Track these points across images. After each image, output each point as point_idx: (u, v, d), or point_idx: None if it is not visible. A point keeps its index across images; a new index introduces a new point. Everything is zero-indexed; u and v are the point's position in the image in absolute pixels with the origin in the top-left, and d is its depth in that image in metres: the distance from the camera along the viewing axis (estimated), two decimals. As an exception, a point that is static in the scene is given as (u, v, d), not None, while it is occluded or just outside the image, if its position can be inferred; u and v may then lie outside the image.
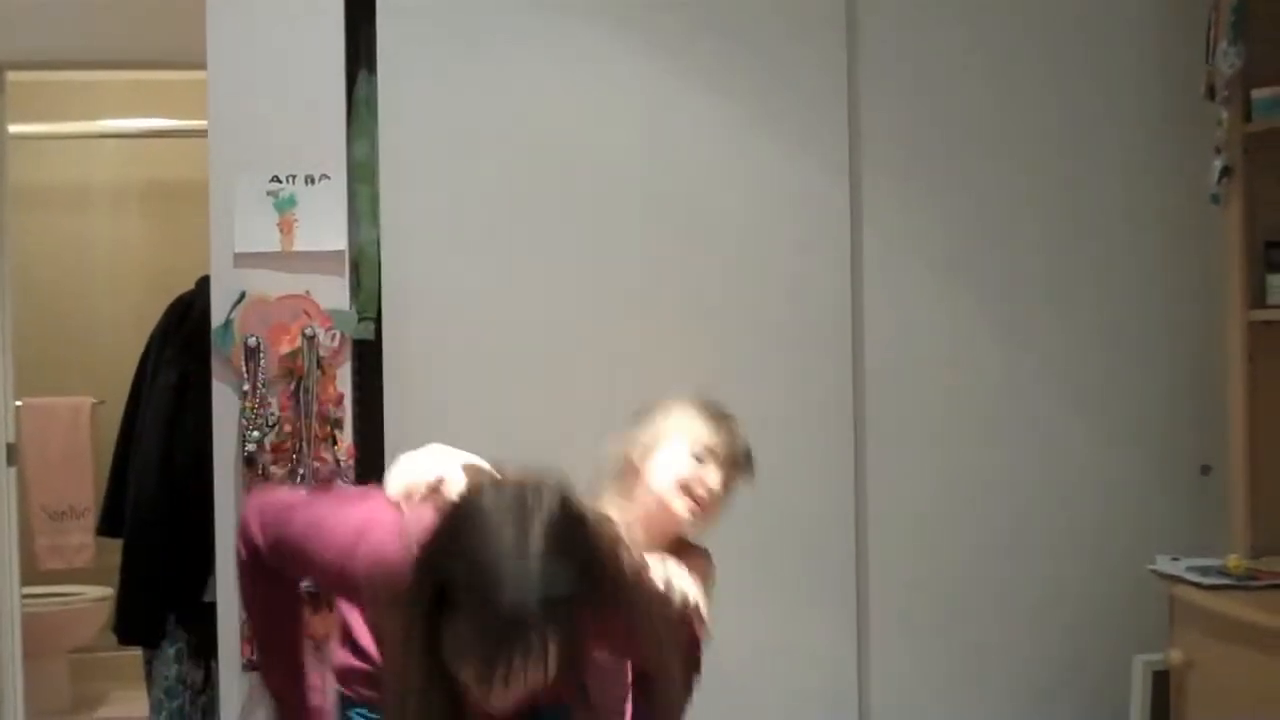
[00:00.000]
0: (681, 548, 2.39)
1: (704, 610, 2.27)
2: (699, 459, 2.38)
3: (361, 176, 3.49)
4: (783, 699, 3.60)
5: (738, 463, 2.41)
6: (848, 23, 3.63)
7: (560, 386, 3.53)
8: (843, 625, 3.62)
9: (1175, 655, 3.23)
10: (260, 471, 3.36)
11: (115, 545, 4.27)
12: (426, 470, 2.06)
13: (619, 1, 3.57)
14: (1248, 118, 3.43)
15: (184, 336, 4.04)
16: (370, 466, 3.30)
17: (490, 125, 3.52)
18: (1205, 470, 3.70)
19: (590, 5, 3.57)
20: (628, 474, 2.39)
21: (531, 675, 1.63)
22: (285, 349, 3.39)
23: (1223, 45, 3.41)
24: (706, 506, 2.37)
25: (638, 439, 2.42)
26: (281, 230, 3.40)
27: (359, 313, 3.47)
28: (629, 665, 2.26)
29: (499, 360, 3.52)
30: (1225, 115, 3.44)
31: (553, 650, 1.63)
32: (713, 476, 2.37)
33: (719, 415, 2.44)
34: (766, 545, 3.56)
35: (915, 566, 3.66)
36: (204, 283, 3.70)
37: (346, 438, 3.42)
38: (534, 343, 3.53)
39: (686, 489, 2.35)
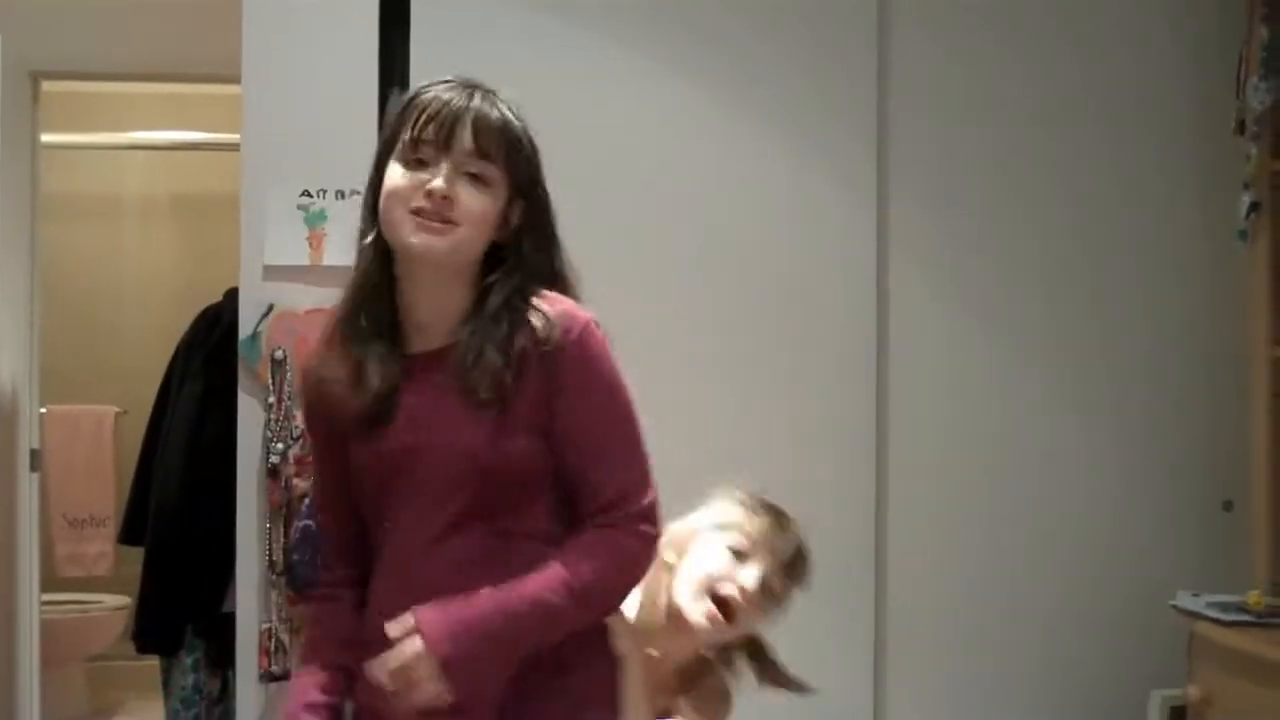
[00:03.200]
0: (699, 677, 2.16)
1: None
2: (737, 554, 2.14)
3: (391, 193, 3.50)
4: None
5: (787, 563, 2.15)
6: (879, 46, 3.64)
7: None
8: (860, 653, 3.61)
9: (1194, 691, 3.22)
10: (283, 484, 3.38)
11: (134, 554, 4.29)
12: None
13: (649, 25, 3.59)
14: (1277, 154, 3.43)
15: (210, 348, 4.06)
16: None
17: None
18: (1227, 506, 3.68)
19: (623, 29, 3.58)
20: (660, 573, 2.09)
21: None
22: (311, 362, 3.40)
23: (1253, 80, 3.42)
24: (734, 613, 2.09)
25: (672, 534, 2.11)
26: (311, 244, 3.42)
27: (385, 328, 3.48)
28: None
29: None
30: (1254, 151, 3.44)
31: None
32: (749, 576, 2.12)
33: (768, 507, 2.20)
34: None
35: (934, 595, 3.66)
36: (232, 294, 3.72)
37: (369, 452, 3.43)
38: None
39: (712, 590, 2.09)
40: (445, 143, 1.92)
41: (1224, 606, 3.24)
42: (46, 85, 4.49)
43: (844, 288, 3.63)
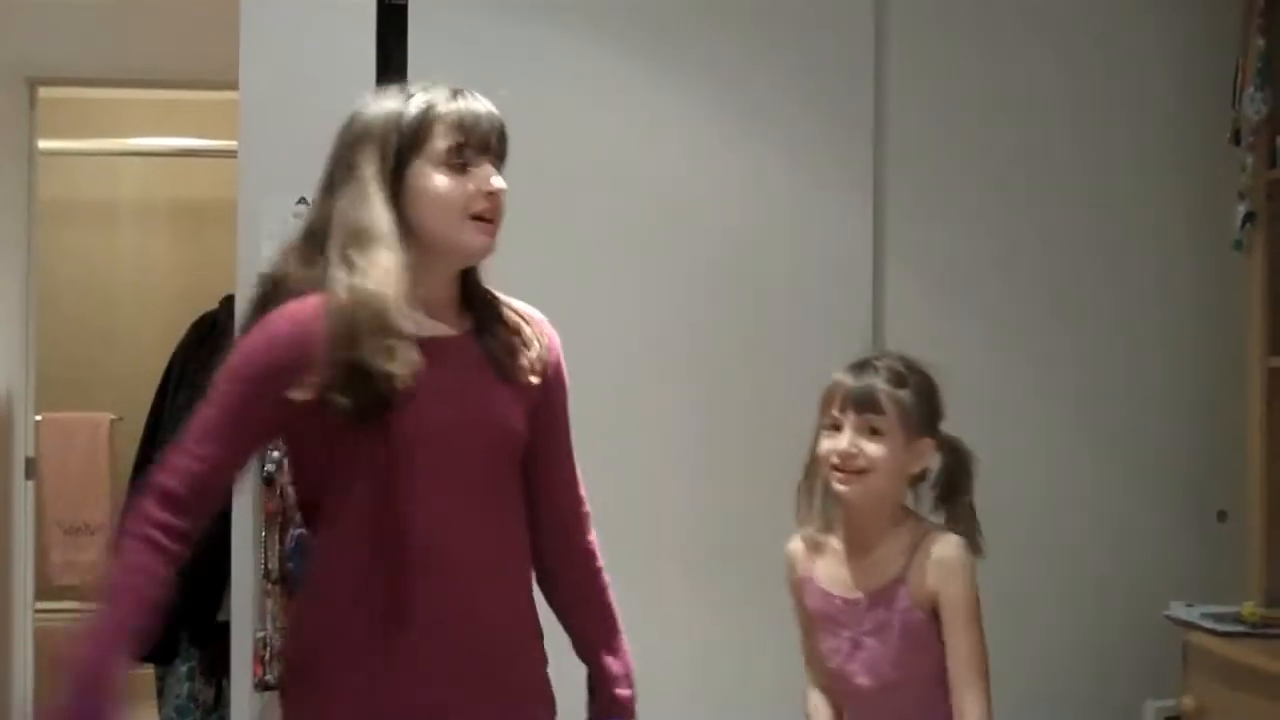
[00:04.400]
0: (912, 529, 2.41)
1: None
2: (833, 429, 2.40)
3: (388, 200, 3.50)
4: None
5: (868, 404, 2.36)
6: (875, 56, 3.65)
7: (578, 407, 3.53)
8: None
9: (1188, 702, 3.22)
10: (279, 492, 3.38)
11: (130, 562, 4.28)
12: None
13: (644, 31, 3.60)
14: (1272, 164, 3.44)
15: (207, 355, 4.05)
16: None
17: (518, 151, 3.53)
18: (1222, 516, 3.68)
19: (621, 37, 3.59)
20: None
21: None
22: (307, 370, 3.40)
23: (1249, 91, 3.42)
24: (856, 472, 2.35)
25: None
26: (307, 251, 3.41)
27: (381, 335, 3.48)
28: None
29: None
30: (1250, 161, 3.45)
31: None
32: (844, 440, 2.36)
33: (850, 368, 2.43)
34: (778, 573, 3.56)
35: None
36: (228, 302, 3.72)
37: (365, 460, 3.43)
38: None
39: (830, 465, 2.37)
40: (485, 146, 2.05)
41: (1218, 617, 3.25)
42: (43, 91, 4.49)
43: (840, 293, 3.64)
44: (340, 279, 1.96)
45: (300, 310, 1.97)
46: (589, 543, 2.24)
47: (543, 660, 2.15)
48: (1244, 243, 3.48)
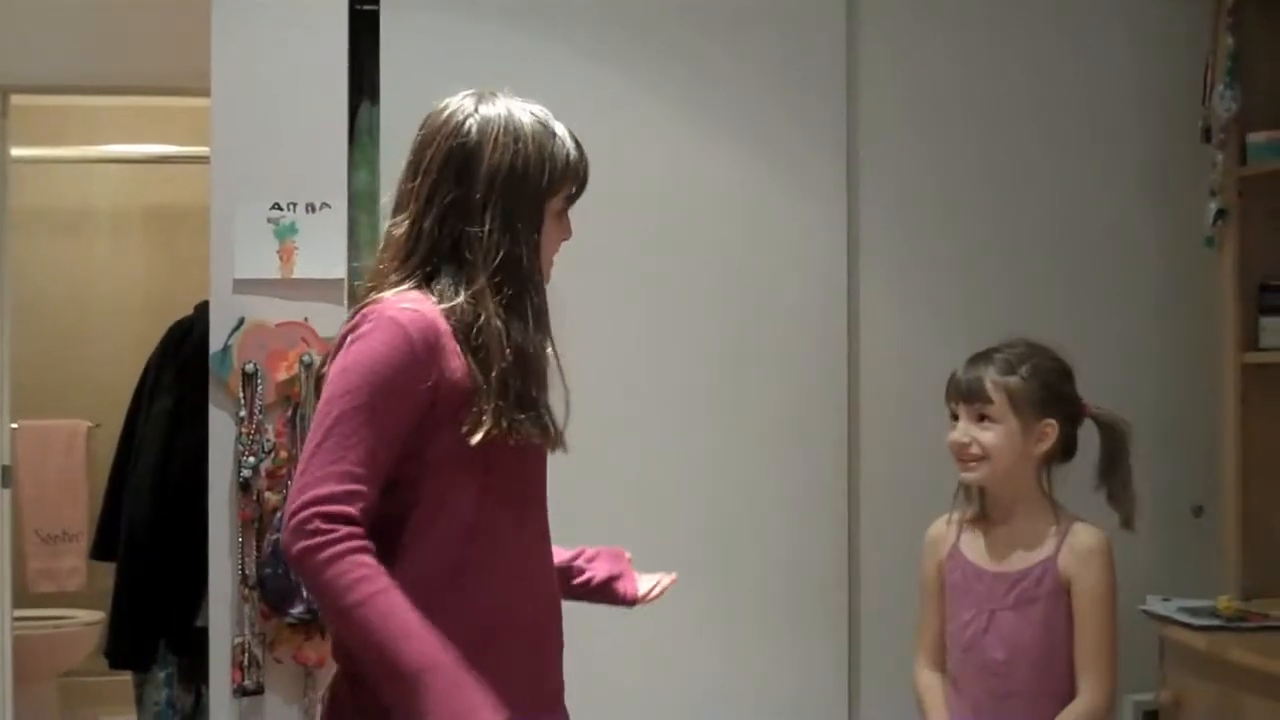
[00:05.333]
0: (1057, 514, 2.60)
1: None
2: (954, 418, 2.59)
3: (362, 205, 3.51)
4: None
5: (974, 394, 2.54)
6: (847, 60, 3.65)
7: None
8: (834, 653, 3.62)
9: (1165, 695, 3.24)
10: (255, 498, 3.37)
11: (107, 569, 4.27)
12: None
13: (617, 37, 3.60)
14: (1243, 161, 3.46)
15: (182, 361, 4.05)
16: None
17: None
18: (1197, 511, 3.70)
19: (592, 42, 3.59)
20: None
21: None
22: (283, 375, 3.40)
23: (1219, 89, 3.44)
24: (976, 458, 2.54)
25: None
26: (282, 257, 3.41)
27: (357, 341, 3.48)
28: None
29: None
30: (1220, 158, 3.47)
31: None
32: (960, 430, 2.55)
33: (969, 359, 2.63)
34: (759, 570, 3.58)
35: (908, 597, 3.64)
36: (203, 308, 3.71)
37: (341, 465, 3.42)
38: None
39: (954, 454, 2.57)
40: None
41: (1194, 611, 3.26)
42: (15, 99, 4.47)
43: (814, 297, 3.64)
44: (497, 315, 1.99)
45: (427, 313, 1.96)
46: None
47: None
48: (1215, 239, 3.50)
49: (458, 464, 1.95)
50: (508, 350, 1.96)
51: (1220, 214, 3.46)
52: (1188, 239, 3.61)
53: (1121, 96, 3.76)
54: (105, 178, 6.07)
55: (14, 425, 4.66)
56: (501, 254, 2.00)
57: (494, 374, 1.94)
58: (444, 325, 1.95)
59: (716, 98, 3.63)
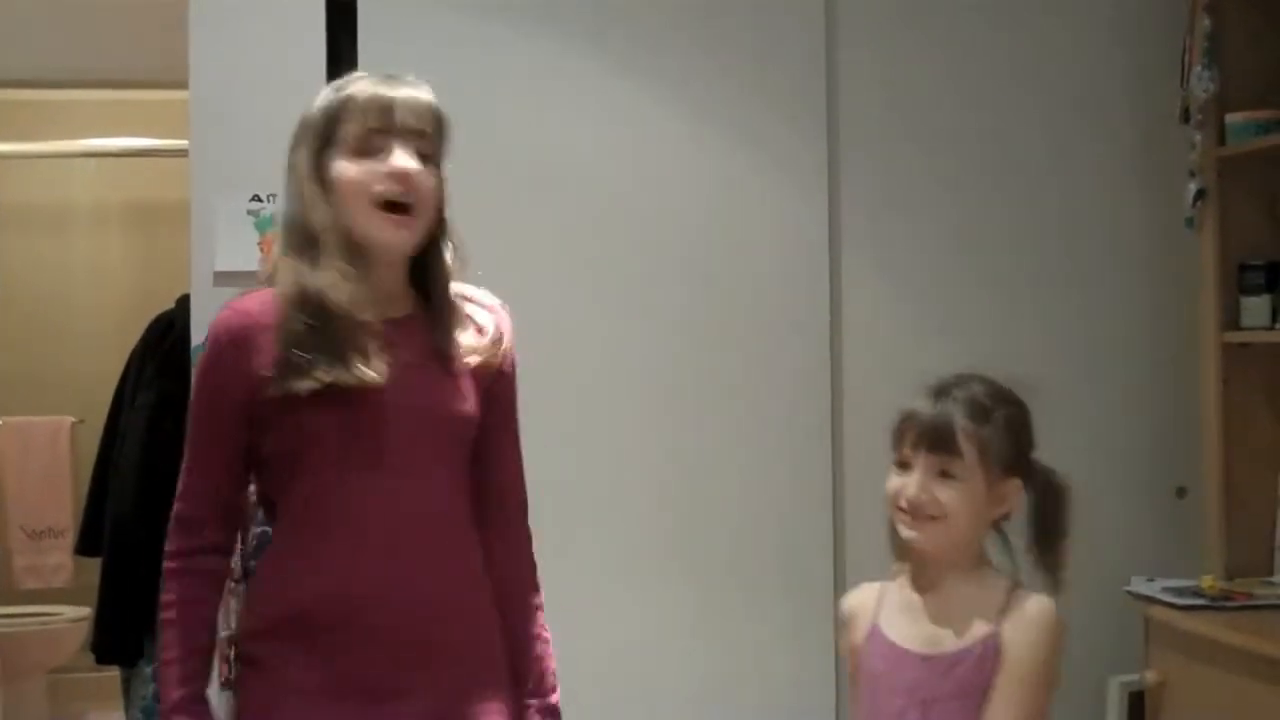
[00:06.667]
0: (999, 585, 2.14)
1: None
2: (901, 466, 2.13)
3: (341, 197, 3.49)
4: None
5: (943, 444, 2.08)
6: (827, 47, 3.65)
7: (535, 407, 3.53)
8: (820, 649, 3.62)
9: (1151, 676, 3.25)
10: (239, 490, 3.36)
11: (93, 565, 4.26)
12: None
13: (597, 27, 3.58)
14: (1222, 141, 3.47)
15: (164, 355, 4.03)
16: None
17: (470, 147, 3.53)
18: (1180, 492, 3.71)
19: (573, 32, 3.58)
20: None
21: None
22: (264, 368, 3.39)
23: (1197, 69, 3.45)
24: (925, 516, 2.09)
25: None
26: (262, 249, 3.40)
27: (338, 332, 3.47)
28: None
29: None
30: (1199, 139, 3.48)
31: None
32: (913, 483, 2.10)
33: (927, 393, 2.17)
34: (743, 568, 3.57)
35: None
36: (184, 301, 3.70)
37: (325, 457, 3.42)
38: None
39: (897, 506, 2.12)
40: (401, 130, 2.01)
41: (1179, 591, 3.28)
42: (-8, 94, 4.46)
43: (797, 288, 3.63)
44: (286, 277, 1.99)
45: (238, 307, 2.06)
46: (524, 532, 2.24)
47: (494, 643, 2.12)
48: (1195, 220, 3.51)
49: (283, 442, 2.01)
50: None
51: (1200, 194, 3.47)
52: (1169, 220, 3.62)
53: (1102, 79, 3.76)
54: (84, 172, 6.06)
55: (-3, 422, 4.65)
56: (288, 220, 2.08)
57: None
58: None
59: (696, 87, 3.61)
